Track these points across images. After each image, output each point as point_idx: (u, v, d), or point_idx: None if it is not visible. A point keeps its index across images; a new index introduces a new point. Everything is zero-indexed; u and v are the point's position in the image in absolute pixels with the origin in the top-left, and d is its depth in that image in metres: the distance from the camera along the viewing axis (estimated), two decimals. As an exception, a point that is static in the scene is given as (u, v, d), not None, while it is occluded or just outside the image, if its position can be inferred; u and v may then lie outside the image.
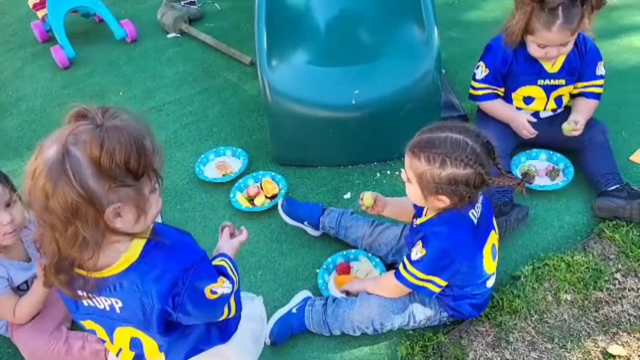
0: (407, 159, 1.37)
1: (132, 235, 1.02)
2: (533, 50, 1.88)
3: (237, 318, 1.28)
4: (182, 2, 3.43)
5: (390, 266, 1.73)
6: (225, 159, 2.28)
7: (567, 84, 1.97)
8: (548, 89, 1.98)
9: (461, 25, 3.00)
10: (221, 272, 1.18)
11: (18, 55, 3.30)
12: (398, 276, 1.46)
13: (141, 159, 0.95)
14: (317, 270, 1.76)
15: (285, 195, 2.03)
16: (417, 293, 1.52)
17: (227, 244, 1.34)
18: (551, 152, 2.05)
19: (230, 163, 2.26)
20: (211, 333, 1.23)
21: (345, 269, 1.75)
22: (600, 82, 1.97)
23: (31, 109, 2.80)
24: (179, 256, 1.06)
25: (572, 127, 1.90)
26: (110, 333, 1.15)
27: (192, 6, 3.43)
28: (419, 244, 1.40)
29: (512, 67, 1.95)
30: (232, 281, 1.18)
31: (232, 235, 1.37)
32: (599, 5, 1.78)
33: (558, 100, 2.02)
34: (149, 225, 1.05)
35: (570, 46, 1.86)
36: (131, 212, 0.99)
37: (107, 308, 1.07)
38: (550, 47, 1.82)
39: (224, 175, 2.19)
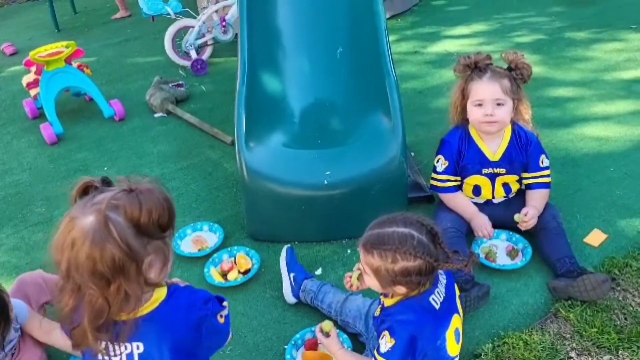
0: (362, 255, 1.46)
1: (157, 285, 1.15)
2: (474, 115, 2.05)
3: None
4: (170, 84, 3.62)
5: (354, 336, 1.80)
6: (202, 234, 2.36)
7: (507, 173, 2.13)
8: (491, 177, 2.14)
9: (429, 111, 3.21)
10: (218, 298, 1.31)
11: (7, 130, 3.43)
12: None
13: (170, 214, 1.10)
14: (285, 347, 1.80)
15: (258, 270, 2.11)
16: None
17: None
18: (511, 233, 2.16)
19: (206, 238, 2.33)
20: None
21: (313, 345, 1.79)
22: (546, 172, 2.12)
23: (16, 182, 2.88)
24: (198, 292, 1.22)
25: (522, 218, 2.03)
26: None
27: (179, 88, 3.63)
28: (387, 334, 1.45)
29: (463, 158, 2.12)
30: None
31: None
32: (524, 79, 2.03)
33: (506, 187, 2.17)
34: (168, 274, 1.18)
35: (505, 113, 2.00)
36: (159, 262, 1.12)
37: (124, 359, 1.15)
38: (486, 103, 2.00)
39: (199, 249, 2.26)
